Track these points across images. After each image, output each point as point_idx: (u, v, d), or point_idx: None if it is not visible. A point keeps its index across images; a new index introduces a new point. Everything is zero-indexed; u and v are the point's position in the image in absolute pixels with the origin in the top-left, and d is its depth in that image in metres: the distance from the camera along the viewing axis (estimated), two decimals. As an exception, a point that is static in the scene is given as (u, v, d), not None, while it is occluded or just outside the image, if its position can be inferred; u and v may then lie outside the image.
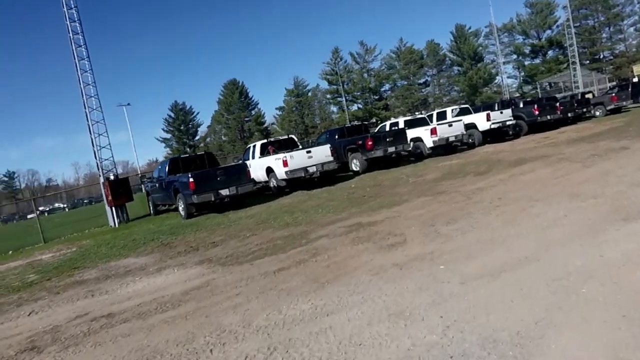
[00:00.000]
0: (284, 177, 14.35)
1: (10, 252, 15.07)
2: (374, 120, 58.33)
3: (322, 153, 14.90)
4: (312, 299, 4.51)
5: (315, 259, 6.07)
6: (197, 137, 71.79)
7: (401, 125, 19.11)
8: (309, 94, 69.89)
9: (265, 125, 70.01)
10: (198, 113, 71.22)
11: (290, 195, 14.23)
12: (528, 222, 5.94)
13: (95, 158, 16.30)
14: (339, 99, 65.61)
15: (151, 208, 17.05)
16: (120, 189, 16.12)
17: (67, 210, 62.48)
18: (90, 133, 16.12)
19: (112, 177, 16.36)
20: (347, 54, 65.21)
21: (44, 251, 12.93)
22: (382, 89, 66.75)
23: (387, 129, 19.75)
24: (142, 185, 18.03)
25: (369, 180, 14.59)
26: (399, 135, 16.95)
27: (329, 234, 7.42)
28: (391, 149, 16.34)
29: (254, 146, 16.83)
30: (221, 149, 66.24)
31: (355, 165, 16.87)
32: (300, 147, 16.70)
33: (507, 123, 19.51)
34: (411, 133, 17.84)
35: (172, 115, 69.30)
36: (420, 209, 8.16)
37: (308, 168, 14.39)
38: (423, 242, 5.87)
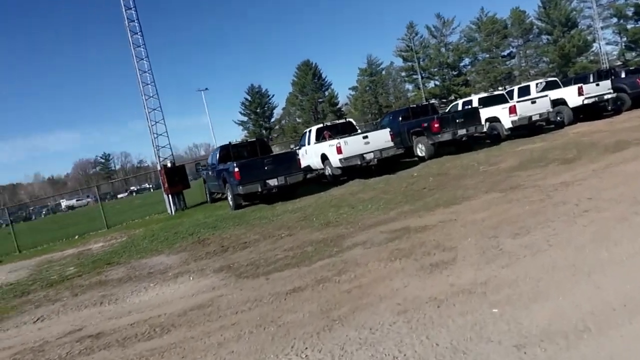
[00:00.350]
0: (339, 165, 13.16)
1: (77, 236, 15.62)
2: (452, 97, 54.81)
3: (381, 138, 13.45)
4: (309, 347, 3.40)
5: (339, 277, 4.93)
6: (272, 119, 72.20)
7: (475, 104, 16.99)
8: (383, 72, 67.12)
9: (339, 106, 68.61)
10: (273, 96, 71.41)
11: (344, 185, 13.06)
12: (629, 240, 4.29)
13: (153, 145, 16.27)
14: (414, 76, 62.30)
15: (207, 196, 16.78)
16: (177, 177, 15.95)
17: (152, 190, 66.37)
18: (147, 120, 16.07)
19: (168, 165, 16.23)
20: (423, 28, 61.44)
21: (99, 239, 13.09)
22: (462, 64, 61.97)
23: (460, 108, 17.75)
24: (198, 173, 17.80)
25: (434, 167, 12.97)
26: (470, 115, 14.92)
27: (366, 242, 6.20)
28: (461, 132, 14.39)
29: (310, 131, 15.70)
30: (295, 130, 65.98)
31: (420, 150, 15.17)
32: (359, 131, 15.33)
33: (605, 97, 16.50)
34: (487, 112, 15.75)
35: (249, 98, 70.26)
36: (484, 211, 6.62)
37: (365, 155, 13.05)
38: (477, 264, 4.48)
